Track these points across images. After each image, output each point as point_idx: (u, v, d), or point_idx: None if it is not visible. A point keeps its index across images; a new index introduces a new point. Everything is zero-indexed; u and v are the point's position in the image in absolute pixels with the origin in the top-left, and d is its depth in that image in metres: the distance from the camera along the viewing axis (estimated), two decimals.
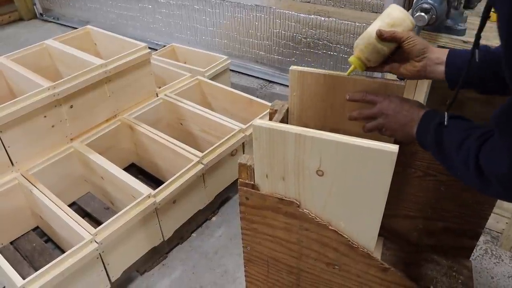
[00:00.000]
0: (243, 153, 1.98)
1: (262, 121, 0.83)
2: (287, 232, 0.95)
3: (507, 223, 1.76)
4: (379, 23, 0.91)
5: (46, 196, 1.59)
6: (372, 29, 0.91)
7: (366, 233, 0.88)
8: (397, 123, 0.90)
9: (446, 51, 0.89)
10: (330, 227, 0.89)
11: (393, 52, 0.93)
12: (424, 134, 0.85)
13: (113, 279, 1.57)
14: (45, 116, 1.72)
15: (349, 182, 0.82)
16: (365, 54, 0.93)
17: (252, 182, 0.91)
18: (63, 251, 1.76)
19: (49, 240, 1.84)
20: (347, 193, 0.84)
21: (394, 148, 0.75)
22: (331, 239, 0.91)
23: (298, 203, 0.89)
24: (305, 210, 0.89)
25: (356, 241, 0.89)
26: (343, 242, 0.90)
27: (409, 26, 0.91)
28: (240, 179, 0.93)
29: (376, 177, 0.79)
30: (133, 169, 2.14)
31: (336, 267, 0.96)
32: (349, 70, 0.96)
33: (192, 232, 1.92)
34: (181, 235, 1.85)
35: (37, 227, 1.85)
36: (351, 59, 0.95)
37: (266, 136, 0.83)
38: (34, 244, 1.75)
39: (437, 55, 0.89)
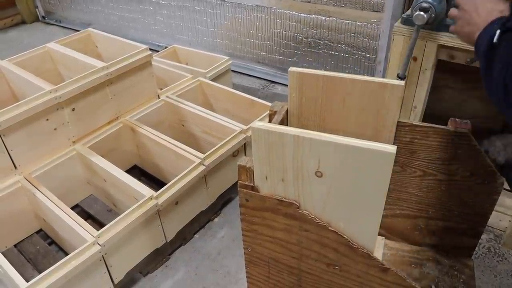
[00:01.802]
0: (245, 154, 1.99)
1: (260, 123, 0.84)
2: (287, 233, 0.95)
3: (510, 221, 1.75)
4: None
5: (49, 199, 1.60)
6: None
7: (365, 233, 0.88)
8: (466, 21, 0.90)
9: None
10: (330, 228, 0.89)
11: None
12: (482, 40, 0.84)
13: (116, 281, 1.58)
14: (47, 119, 1.73)
15: (348, 183, 0.82)
16: None
17: (252, 184, 0.92)
18: (66, 254, 1.77)
19: (52, 242, 1.85)
20: (346, 194, 0.84)
21: (392, 148, 0.75)
22: (331, 240, 0.91)
23: (298, 204, 0.89)
24: (304, 211, 0.89)
25: (356, 242, 0.89)
26: (343, 242, 0.90)
27: None
28: (240, 181, 0.93)
29: (374, 178, 0.79)
30: (136, 171, 2.15)
31: (337, 267, 0.96)
32: None
33: (194, 233, 1.92)
34: (183, 236, 1.85)
35: (41, 230, 1.86)
36: None
37: (264, 138, 0.83)
38: (38, 247, 1.77)
39: None
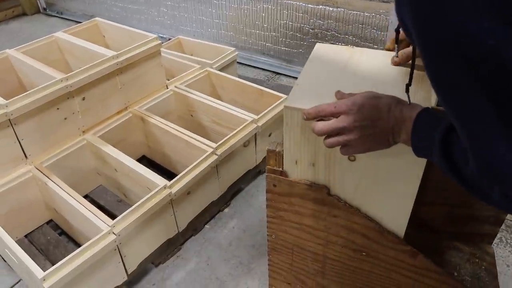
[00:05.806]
0: (255, 145, 1.98)
1: (295, 102, 0.81)
2: (315, 219, 0.94)
3: None
4: None
5: (62, 188, 1.59)
6: None
7: (396, 219, 0.88)
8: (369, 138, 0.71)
9: None
10: (359, 213, 0.88)
11: None
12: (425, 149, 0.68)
13: (129, 271, 1.57)
14: (58, 108, 1.71)
15: (381, 167, 0.81)
16: None
17: (281, 169, 0.91)
18: (77, 244, 1.76)
19: (62, 233, 1.83)
20: (379, 178, 0.83)
21: None
22: (360, 225, 0.90)
23: (328, 189, 0.88)
24: (334, 196, 0.89)
25: (386, 227, 0.89)
26: (373, 228, 0.89)
27: None
28: (268, 166, 0.92)
29: (409, 162, 0.79)
30: (144, 161, 2.14)
31: (364, 253, 0.95)
32: None
33: (205, 224, 1.92)
34: (194, 227, 1.84)
35: (51, 220, 1.84)
36: None
37: (298, 118, 0.81)
38: (48, 237, 1.75)
39: None
